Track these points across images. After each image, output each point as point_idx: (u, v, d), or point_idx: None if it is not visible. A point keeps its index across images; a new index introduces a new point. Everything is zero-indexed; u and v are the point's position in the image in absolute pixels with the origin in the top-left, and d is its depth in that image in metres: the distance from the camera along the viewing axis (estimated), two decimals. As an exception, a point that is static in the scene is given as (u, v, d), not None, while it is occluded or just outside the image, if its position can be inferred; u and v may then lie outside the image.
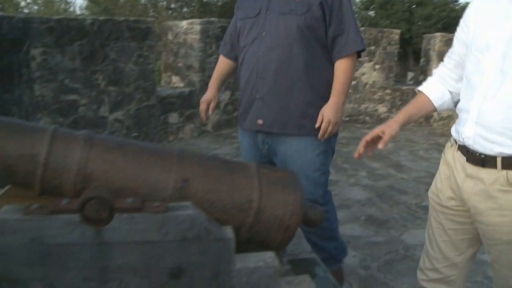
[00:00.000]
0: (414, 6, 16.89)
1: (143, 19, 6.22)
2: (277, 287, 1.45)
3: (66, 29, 5.18)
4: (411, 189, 4.98)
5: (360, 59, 8.58)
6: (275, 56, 2.32)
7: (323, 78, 2.36)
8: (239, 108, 2.59)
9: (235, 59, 2.68)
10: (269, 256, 1.45)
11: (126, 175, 1.41)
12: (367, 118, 8.80)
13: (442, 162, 1.90)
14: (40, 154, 1.37)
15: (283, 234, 1.54)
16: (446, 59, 1.94)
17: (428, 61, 8.77)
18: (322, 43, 2.34)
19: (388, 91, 8.74)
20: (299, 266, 1.86)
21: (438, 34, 8.77)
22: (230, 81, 6.69)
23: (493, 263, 1.76)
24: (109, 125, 5.89)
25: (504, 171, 1.60)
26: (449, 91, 1.92)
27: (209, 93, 2.70)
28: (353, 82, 8.80)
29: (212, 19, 7.45)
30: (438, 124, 8.63)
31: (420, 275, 2.01)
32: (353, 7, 2.58)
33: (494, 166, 1.62)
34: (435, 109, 1.95)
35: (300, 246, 2.47)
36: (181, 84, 7.44)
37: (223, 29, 6.58)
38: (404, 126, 1.90)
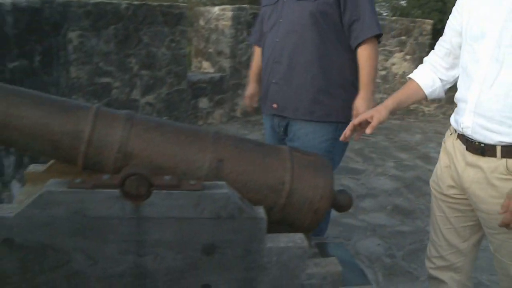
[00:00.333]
0: (447, -4, 16.45)
1: (176, 5, 6.27)
2: (306, 267, 1.49)
3: (102, 13, 5.27)
4: (439, 181, 4.92)
5: (391, 48, 8.57)
6: (290, 42, 2.33)
7: (336, 65, 2.34)
8: (261, 93, 2.64)
9: None
10: (299, 237, 1.50)
11: (164, 154, 1.47)
12: (396, 109, 8.70)
13: (442, 151, 1.90)
14: (84, 131, 1.43)
15: (312, 217, 1.58)
16: (437, 47, 1.93)
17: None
18: (336, 29, 2.30)
19: (418, 81, 8.55)
20: (326, 250, 1.90)
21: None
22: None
23: (495, 253, 1.76)
24: (141, 108, 5.99)
25: (504, 160, 1.60)
26: (440, 78, 1.91)
27: (251, 88, 2.75)
28: (383, 72, 8.76)
29: (244, 5, 7.46)
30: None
31: (427, 263, 2.03)
32: None
33: (493, 155, 1.62)
34: (425, 97, 1.94)
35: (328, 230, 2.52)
36: (212, 70, 7.50)
37: (255, 15, 6.58)
38: (393, 111, 1.87)
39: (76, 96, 5.04)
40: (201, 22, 7.61)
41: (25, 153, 2.57)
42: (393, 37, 8.50)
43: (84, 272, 1.40)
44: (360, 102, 2.26)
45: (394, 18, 8.86)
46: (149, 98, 6.10)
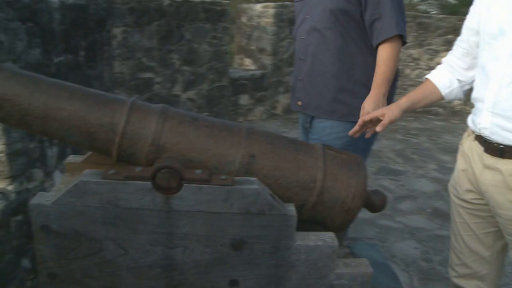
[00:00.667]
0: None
1: (219, 1, 6.31)
2: (335, 267, 1.47)
3: (146, 10, 5.37)
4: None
5: (436, 48, 8.33)
6: (313, 40, 2.32)
7: (357, 64, 2.28)
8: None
9: None
10: (329, 236, 1.48)
11: (196, 148, 1.48)
12: (440, 110, 8.47)
13: (459, 154, 1.82)
14: (119, 123, 1.46)
15: (344, 216, 1.56)
16: (454, 47, 1.86)
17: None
18: (358, 28, 2.24)
19: (465, 82, 8.31)
20: (358, 250, 1.88)
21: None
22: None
23: None
24: (182, 103, 6.07)
25: None
26: (458, 79, 1.84)
27: None
28: (428, 72, 8.46)
29: (286, 3, 7.44)
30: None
31: (451, 272, 1.93)
32: None
33: None
34: (442, 97, 1.88)
35: (362, 231, 2.48)
36: (253, 67, 7.52)
37: (297, 13, 6.54)
38: (406, 111, 1.82)
39: (119, 90, 5.16)
40: (244, 19, 7.64)
41: (65, 144, 2.65)
42: (439, 36, 8.27)
43: (115, 261, 1.43)
44: (367, 103, 2.17)
45: (440, 16, 8.62)
46: (190, 93, 6.18)
